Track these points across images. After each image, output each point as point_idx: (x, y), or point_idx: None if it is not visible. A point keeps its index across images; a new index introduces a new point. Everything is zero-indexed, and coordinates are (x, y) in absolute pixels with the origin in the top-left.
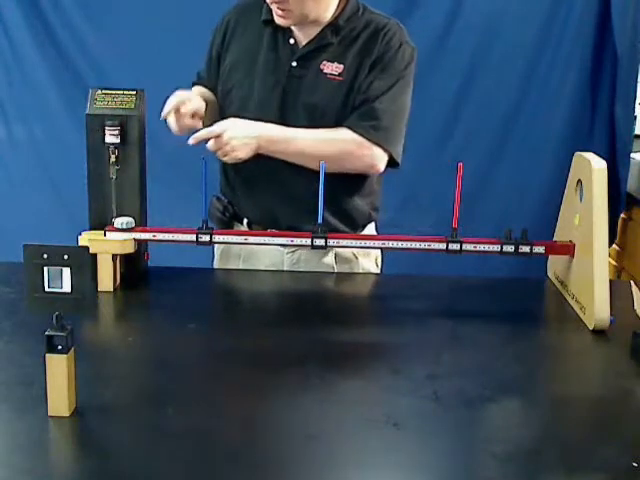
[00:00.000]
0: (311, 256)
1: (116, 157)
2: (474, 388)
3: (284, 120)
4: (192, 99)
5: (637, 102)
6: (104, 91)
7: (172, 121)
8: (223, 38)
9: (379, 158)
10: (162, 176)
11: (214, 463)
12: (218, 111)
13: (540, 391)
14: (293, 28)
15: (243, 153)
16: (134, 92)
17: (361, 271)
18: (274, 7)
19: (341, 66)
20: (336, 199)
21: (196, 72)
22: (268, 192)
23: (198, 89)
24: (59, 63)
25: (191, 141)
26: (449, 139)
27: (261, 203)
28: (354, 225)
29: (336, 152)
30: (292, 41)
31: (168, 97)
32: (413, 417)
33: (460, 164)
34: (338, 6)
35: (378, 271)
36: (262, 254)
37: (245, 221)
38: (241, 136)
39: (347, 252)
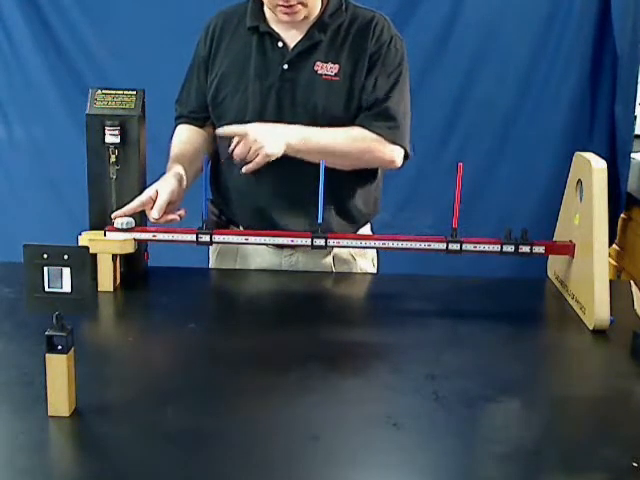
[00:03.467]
0: (309, 258)
1: (116, 157)
2: (474, 388)
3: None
4: (160, 194)
5: (637, 102)
6: (104, 91)
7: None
8: (209, 49)
9: (397, 154)
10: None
11: (214, 463)
12: (210, 148)
13: (540, 391)
14: (279, 31)
15: (274, 149)
16: (134, 92)
17: (359, 271)
18: (279, 7)
19: (336, 66)
20: (340, 198)
21: (176, 100)
22: (264, 198)
23: (184, 134)
24: (59, 63)
25: (219, 131)
26: (449, 139)
27: (257, 209)
28: (354, 223)
29: (357, 150)
30: (280, 44)
31: (168, 97)
32: (413, 417)
33: (460, 164)
34: (322, 3)
35: (375, 271)
36: (260, 257)
37: (241, 228)
38: (267, 133)
39: (345, 253)
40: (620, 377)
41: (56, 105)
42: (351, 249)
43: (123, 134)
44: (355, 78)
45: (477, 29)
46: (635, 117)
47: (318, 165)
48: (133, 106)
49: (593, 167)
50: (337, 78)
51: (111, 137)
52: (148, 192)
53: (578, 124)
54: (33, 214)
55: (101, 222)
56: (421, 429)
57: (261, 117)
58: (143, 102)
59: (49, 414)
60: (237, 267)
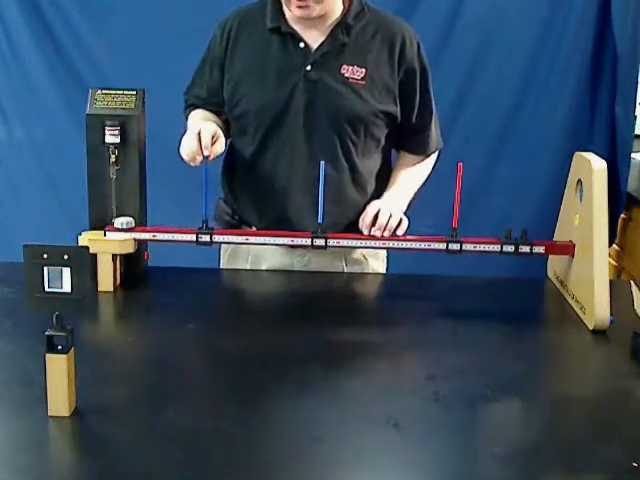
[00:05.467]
0: (321, 258)
1: (116, 157)
2: (474, 388)
3: (308, 126)
4: (204, 130)
5: (637, 102)
6: (104, 91)
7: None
8: (225, 49)
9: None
10: (162, 176)
11: (214, 464)
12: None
13: (540, 391)
14: (300, 31)
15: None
16: (134, 92)
17: (371, 272)
18: (293, 1)
19: (362, 70)
20: (352, 162)
21: (185, 92)
22: (283, 199)
23: (200, 114)
24: (59, 63)
25: (366, 232)
26: (449, 139)
27: (275, 210)
28: (365, 192)
29: (427, 176)
30: (302, 45)
31: (168, 97)
32: (414, 417)
33: (460, 164)
34: (343, 4)
35: (385, 271)
36: (272, 258)
37: (254, 228)
38: (394, 207)
39: (357, 254)
40: (620, 377)
41: (56, 105)
42: (363, 249)
43: (123, 134)
44: (380, 84)
45: (477, 29)
46: (635, 117)
47: (337, 169)
48: (133, 106)
49: (593, 167)
50: (363, 82)
51: (111, 137)
52: (200, 135)
53: (578, 124)
54: (33, 214)
55: (101, 222)
56: (421, 429)
57: (284, 117)
58: (143, 102)
59: (49, 414)
60: (248, 267)
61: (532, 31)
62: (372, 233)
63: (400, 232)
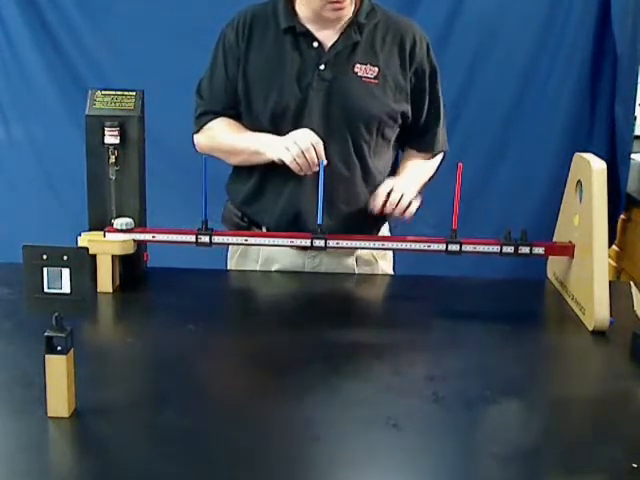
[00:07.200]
0: (332, 259)
1: (115, 158)
2: (474, 389)
3: (323, 125)
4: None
5: (637, 102)
6: (103, 92)
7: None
8: (239, 46)
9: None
10: (162, 177)
11: (214, 464)
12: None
13: (540, 392)
14: (314, 31)
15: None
16: (133, 93)
17: (380, 272)
18: (329, 5)
19: (375, 69)
20: (363, 159)
21: (196, 92)
22: (304, 202)
23: (226, 122)
24: (58, 63)
25: (377, 211)
26: (449, 139)
27: (294, 213)
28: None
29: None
30: (316, 44)
31: (167, 97)
32: (413, 418)
33: (460, 164)
34: (355, 3)
35: (393, 271)
36: (282, 258)
37: (264, 228)
38: (405, 189)
39: (367, 255)
40: (620, 378)
41: (55, 105)
42: (373, 250)
43: (122, 135)
44: (393, 83)
45: (477, 29)
46: (635, 117)
47: (349, 168)
48: (132, 107)
49: (593, 168)
50: (376, 81)
51: (110, 138)
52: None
53: (578, 124)
54: (33, 214)
55: (101, 223)
56: (421, 430)
57: (300, 117)
58: (142, 102)
59: (48, 415)
60: (259, 269)
61: (532, 31)
62: (385, 212)
63: (412, 209)
